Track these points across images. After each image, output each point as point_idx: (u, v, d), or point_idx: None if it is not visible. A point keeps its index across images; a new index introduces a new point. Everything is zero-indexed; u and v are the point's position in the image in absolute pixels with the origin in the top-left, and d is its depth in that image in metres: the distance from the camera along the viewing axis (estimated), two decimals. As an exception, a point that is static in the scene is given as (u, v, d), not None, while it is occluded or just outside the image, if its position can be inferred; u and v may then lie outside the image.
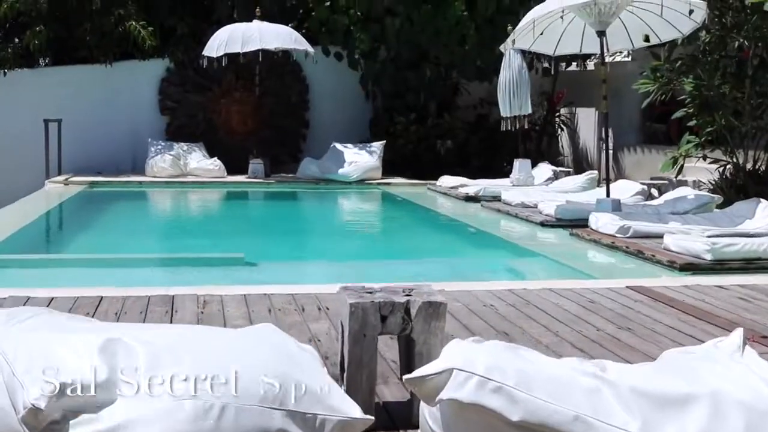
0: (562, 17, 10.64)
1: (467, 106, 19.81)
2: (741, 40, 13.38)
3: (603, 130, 19.99)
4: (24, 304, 5.42)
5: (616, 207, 10.70)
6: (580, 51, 12.22)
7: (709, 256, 8.22)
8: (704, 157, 14.44)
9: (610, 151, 13.28)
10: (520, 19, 17.42)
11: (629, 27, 11.52)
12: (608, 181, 11.24)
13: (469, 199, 14.17)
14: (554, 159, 20.44)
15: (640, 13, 11.06)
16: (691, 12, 10.50)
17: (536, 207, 12.23)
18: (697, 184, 16.48)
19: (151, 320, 5.43)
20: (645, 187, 13.07)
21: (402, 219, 13.80)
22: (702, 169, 15.35)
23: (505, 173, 18.75)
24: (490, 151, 18.98)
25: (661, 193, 13.02)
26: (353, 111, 19.54)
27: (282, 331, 3.66)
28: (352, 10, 17.92)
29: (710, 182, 14.71)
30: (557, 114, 20.52)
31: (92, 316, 5.25)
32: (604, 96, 11.37)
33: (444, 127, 18.50)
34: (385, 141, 17.93)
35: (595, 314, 5.91)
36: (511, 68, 15.21)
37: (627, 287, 6.82)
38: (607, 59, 20.09)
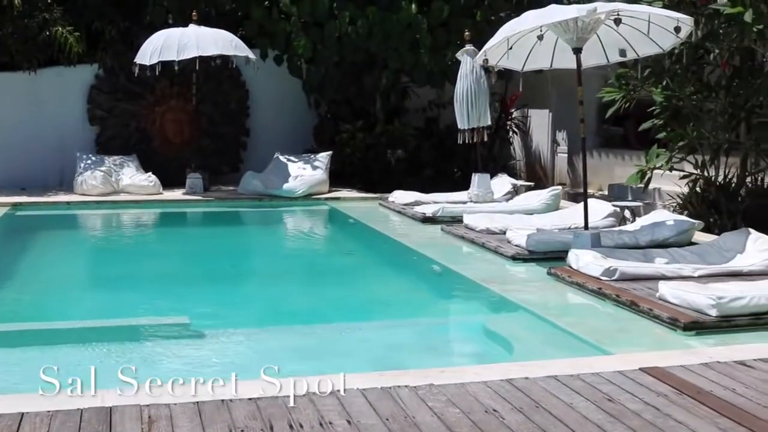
0: (540, 37, 9.67)
1: (416, 109, 18.85)
2: (716, 50, 12.60)
3: (573, 140, 19.31)
4: None
5: (596, 242, 9.80)
6: (551, 66, 11.26)
7: (714, 312, 7.35)
8: (671, 169, 13.69)
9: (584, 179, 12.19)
10: (476, 20, 16.74)
11: (605, 42, 10.62)
12: (586, 212, 10.30)
13: (426, 220, 13.20)
14: (506, 163, 19.59)
15: (617, 27, 10.14)
16: (677, 29, 9.61)
17: (503, 234, 11.34)
18: (661, 197, 15.81)
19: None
20: (617, 209, 12.18)
21: (359, 254, 12.65)
22: (667, 179, 14.61)
23: (457, 181, 17.87)
24: (442, 159, 18.03)
25: (634, 215, 12.13)
26: (296, 118, 18.47)
27: None
28: (294, 15, 16.77)
29: (679, 196, 13.96)
30: (510, 117, 19.65)
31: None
32: (581, 119, 10.39)
33: (394, 135, 17.49)
34: (331, 152, 16.88)
35: (620, 423, 4.97)
36: (468, 78, 14.27)
37: (641, 370, 5.89)
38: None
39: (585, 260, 9.10)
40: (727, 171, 13.60)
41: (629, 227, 11.46)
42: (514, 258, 10.27)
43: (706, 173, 13.60)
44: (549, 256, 10.19)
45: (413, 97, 18.77)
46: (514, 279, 9.55)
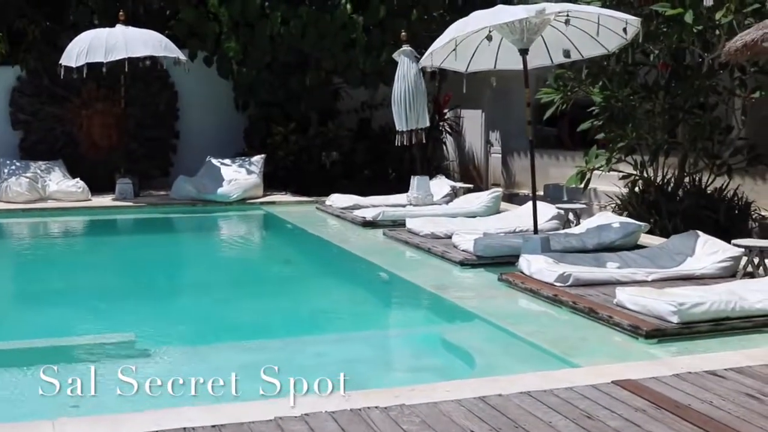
0: (489, 38, 9.46)
1: (348, 110, 18.58)
2: (656, 51, 12.58)
3: (507, 141, 19.18)
4: None
5: (546, 246, 9.65)
6: (495, 68, 11.09)
7: (675, 319, 7.23)
8: (610, 170, 13.65)
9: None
10: (411, 21, 16.52)
11: (549, 43, 10.47)
12: (536, 216, 10.14)
13: (367, 224, 12.95)
14: (440, 164, 19.43)
15: (563, 28, 10.02)
16: (625, 30, 9.51)
17: (448, 238, 11.15)
18: (598, 197, 15.80)
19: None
20: (561, 211, 12.07)
21: (301, 262, 12.26)
22: (605, 180, 14.59)
23: (392, 183, 17.65)
24: (377, 160, 17.80)
25: (578, 217, 12.03)
26: (226, 120, 18.07)
27: None
28: (223, 15, 16.37)
29: (618, 197, 13.93)
30: (444, 118, 19.49)
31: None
32: (528, 121, 10.24)
33: (328, 137, 17.20)
34: (265, 155, 16.52)
35: (603, 441, 4.79)
36: (405, 79, 14.05)
37: (614, 383, 5.72)
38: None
39: (537, 266, 8.95)
40: (665, 171, 13.61)
41: (575, 230, 11.36)
42: (463, 263, 10.07)
43: (645, 174, 13.59)
44: (497, 261, 10.05)
45: (346, 99, 18.51)
46: (465, 286, 9.33)
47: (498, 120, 19.92)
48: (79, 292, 9.69)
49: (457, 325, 8.35)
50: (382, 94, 18.77)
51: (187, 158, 17.55)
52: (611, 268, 9.14)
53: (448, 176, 18.24)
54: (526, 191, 19.19)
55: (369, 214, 13.08)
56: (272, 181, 16.54)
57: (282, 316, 8.68)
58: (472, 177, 19.89)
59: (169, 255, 12.66)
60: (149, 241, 13.69)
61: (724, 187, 13.46)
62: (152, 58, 15.60)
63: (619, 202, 13.87)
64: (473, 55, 10.77)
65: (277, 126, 17.13)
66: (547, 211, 12.22)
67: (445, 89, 18.99)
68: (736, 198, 13.46)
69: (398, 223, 12.83)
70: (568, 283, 8.55)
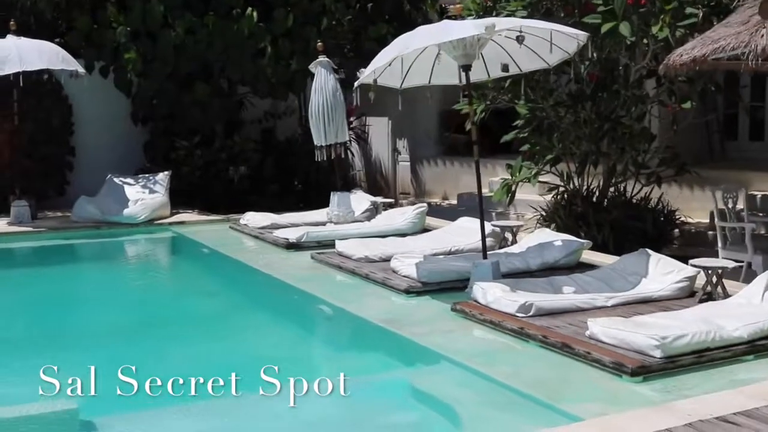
0: (438, 56, 8.96)
1: (251, 120, 17.87)
2: (585, 62, 12.31)
3: (415, 149, 18.65)
4: None
5: (497, 272, 9.20)
6: (429, 83, 10.61)
7: (658, 353, 6.86)
8: (529, 180, 13.36)
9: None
10: (318, 30, 15.91)
11: (486, 57, 10.03)
12: (484, 240, 9.68)
13: (291, 246, 12.30)
14: (347, 173, 18.88)
15: (503, 42, 9.61)
16: (578, 45, 9.15)
17: (384, 262, 10.62)
18: (516, 208, 15.52)
19: None
20: (497, 229, 11.66)
21: (224, 293, 11.18)
22: (525, 189, 14.32)
23: (299, 196, 17.04)
24: (284, 174, 17.14)
25: (514, 235, 11.64)
26: (125, 135, 17.15)
27: None
28: (122, 25, 15.45)
29: (542, 207, 13.66)
30: (350, 126, 18.93)
31: None
32: (474, 141, 9.76)
33: (234, 150, 16.45)
34: (170, 172, 15.66)
35: None
36: (324, 91, 13.47)
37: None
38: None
39: (494, 295, 8.48)
40: (590, 182, 13.40)
41: (514, 249, 10.96)
42: (408, 291, 9.50)
43: (571, 184, 13.35)
44: (443, 286, 9.55)
45: (248, 108, 17.79)
46: (417, 318, 8.64)
47: (405, 128, 19.51)
48: None
49: (422, 368, 7.65)
50: (285, 104, 18.17)
51: (85, 176, 16.54)
52: (568, 294, 8.76)
53: (355, 186, 17.74)
54: (436, 199, 18.86)
55: (292, 235, 12.42)
56: (177, 198, 15.67)
57: (218, 366, 7.56)
58: (380, 186, 19.45)
59: (76, 291, 11.45)
60: (53, 275, 12.36)
61: (647, 196, 13.34)
62: (43, 70, 14.58)
63: (543, 213, 13.61)
64: (408, 71, 10.27)
65: (180, 140, 16.31)
66: (468, 225, 11.83)
67: (349, 98, 18.42)
68: (660, 206, 13.36)
69: (323, 244, 12.22)
70: (530, 313, 8.12)
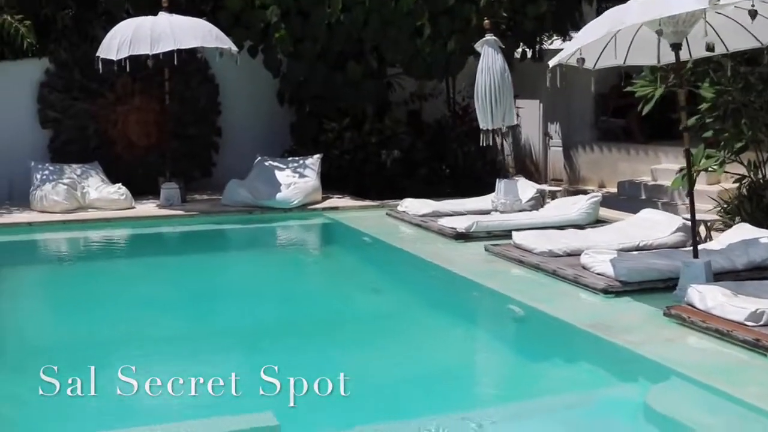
0: (660, 32, 8.06)
1: (397, 102, 17.16)
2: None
3: (568, 133, 17.62)
4: None
5: (709, 273, 8.28)
6: (624, 63, 9.68)
7: None
8: (714, 169, 12.32)
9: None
10: (479, 7, 15.07)
11: (690, 35, 9.03)
12: (695, 235, 8.75)
13: (459, 236, 11.54)
14: (495, 158, 18.01)
15: (711, 19, 8.62)
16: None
17: (569, 257, 9.77)
18: (681, 197, 14.46)
19: None
20: (686, 222, 10.67)
21: (398, 290, 10.25)
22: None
23: (449, 182, 16.27)
24: (434, 157, 16.40)
25: (709, 230, 10.65)
26: (271, 116, 16.66)
27: None
28: (272, 4, 14.88)
29: (723, 199, 12.60)
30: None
31: None
32: (685, 128, 8.78)
33: (384, 133, 15.76)
34: (321, 155, 15.06)
35: None
36: (491, 71, 12.64)
37: None
38: (548, 46, 18.04)
39: (714, 299, 7.56)
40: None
41: (712, 245, 9.95)
42: (606, 291, 8.63)
43: (760, 174, 12.27)
44: (644, 287, 8.66)
45: (397, 90, 17.08)
46: (625, 323, 7.74)
47: (558, 111, 18.57)
48: (161, 342, 7.96)
49: (650, 385, 6.70)
50: (431, 84, 17.44)
51: (230, 158, 16.12)
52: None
53: (506, 172, 16.89)
54: (592, 188, 17.87)
55: (459, 224, 11.66)
56: (326, 182, 15.09)
57: (398, 378, 6.88)
58: (529, 172, 18.55)
59: (229, 283, 10.77)
60: (212, 264, 11.80)
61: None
62: (190, 48, 14.08)
63: (725, 205, 12.55)
64: (603, 50, 9.36)
65: (330, 122, 15.69)
66: (668, 222, 10.86)
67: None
68: None
69: (493, 235, 11.46)
70: (761, 322, 7.19)
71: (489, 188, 13.94)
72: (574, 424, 6.21)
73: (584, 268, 9.31)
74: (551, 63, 8.96)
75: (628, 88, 13.06)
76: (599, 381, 7.06)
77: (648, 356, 6.91)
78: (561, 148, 18.61)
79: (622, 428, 6.12)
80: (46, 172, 14.17)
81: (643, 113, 12.96)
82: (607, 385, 6.95)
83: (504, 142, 17.39)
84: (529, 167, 18.83)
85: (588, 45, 8.90)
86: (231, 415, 5.39)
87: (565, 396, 6.73)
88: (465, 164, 16.60)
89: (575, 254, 9.83)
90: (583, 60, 8.58)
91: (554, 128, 18.74)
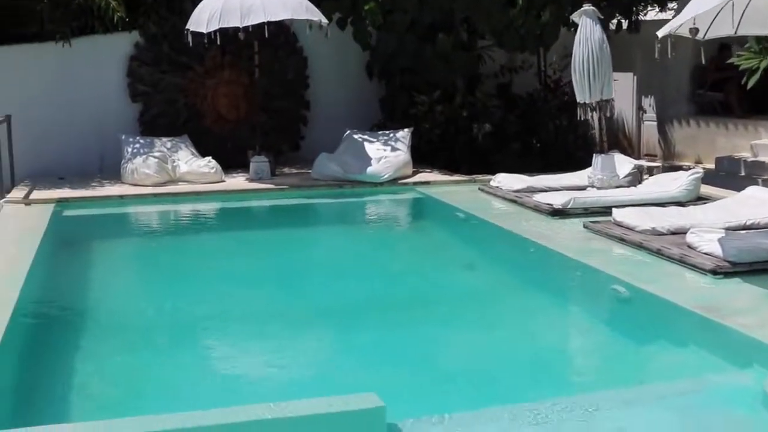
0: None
1: (487, 75, 16.80)
2: None
3: (663, 107, 17.06)
4: None
5: (828, 255, 7.87)
6: (735, 33, 9.24)
7: None
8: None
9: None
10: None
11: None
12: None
13: (556, 213, 11.22)
14: (586, 133, 17.57)
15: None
16: None
17: (674, 235, 9.40)
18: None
19: None
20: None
21: (494, 267, 10.03)
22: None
23: (541, 156, 15.90)
24: (526, 132, 16.04)
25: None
26: (359, 89, 16.42)
27: None
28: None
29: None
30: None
31: None
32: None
33: (475, 106, 15.46)
34: (412, 128, 14.83)
35: None
36: (588, 43, 12.26)
37: None
38: (643, 17, 17.47)
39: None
40: None
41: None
42: (715, 272, 8.25)
43: None
44: (754, 267, 8.27)
45: (487, 63, 16.74)
46: (739, 306, 7.34)
47: (652, 84, 18.04)
48: (270, 319, 7.90)
49: None
50: (520, 57, 17.05)
51: (319, 131, 15.99)
52: None
53: (598, 146, 16.47)
54: (689, 163, 17.34)
55: (556, 200, 11.33)
56: (416, 156, 14.85)
57: (501, 360, 6.73)
58: (622, 147, 18.07)
59: (322, 259, 10.59)
60: (304, 238, 11.71)
61: None
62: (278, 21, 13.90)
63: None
64: (714, 19, 8.95)
65: (420, 95, 15.43)
66: (760, 195, 10.41)
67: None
68: None
69: (590, 211, 11.13)
70: None
71: (580, 163, 13.56)
72: (686, 411, 5.88)
73: (690, 247, 8.93)
74: (660, 33, 8.58)
75: (731, 60, 12.59)
76: (711, 366, 6.71)
77: (764, 340, 6.54)
78: (655, 123, 18.08)
79: (738, 416, 5.77)
80: (137, 145, 14.19)
81: (749, 86, 12.46)
82: (720, 371, 6.58)
83: (602, 116, 16.99)
84: (622, 142, 18.36)
85: (701, 14, 8.53)
86: (335, 396, 5.20)
87: (675, 382, 6.42)
88: (557, 139, 16.22)
89: (680, 233, 9.45)
90: (696, 30, 8.18)
91: (648, 102, 18.22)
